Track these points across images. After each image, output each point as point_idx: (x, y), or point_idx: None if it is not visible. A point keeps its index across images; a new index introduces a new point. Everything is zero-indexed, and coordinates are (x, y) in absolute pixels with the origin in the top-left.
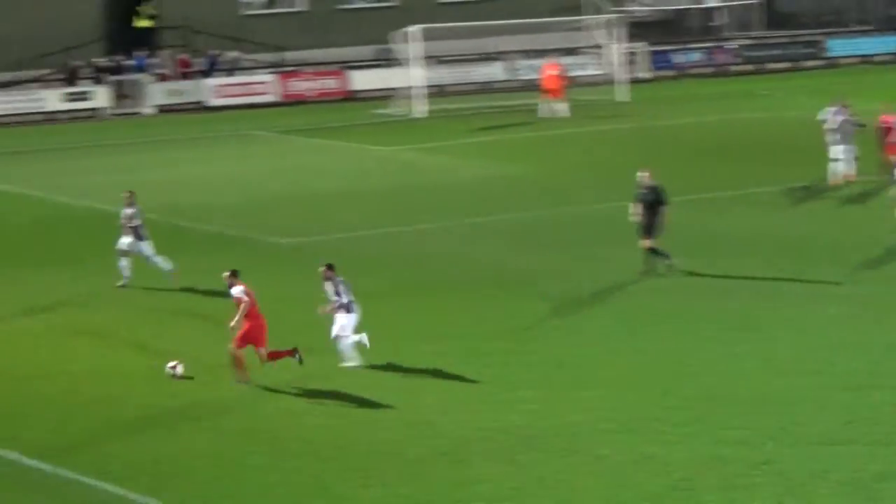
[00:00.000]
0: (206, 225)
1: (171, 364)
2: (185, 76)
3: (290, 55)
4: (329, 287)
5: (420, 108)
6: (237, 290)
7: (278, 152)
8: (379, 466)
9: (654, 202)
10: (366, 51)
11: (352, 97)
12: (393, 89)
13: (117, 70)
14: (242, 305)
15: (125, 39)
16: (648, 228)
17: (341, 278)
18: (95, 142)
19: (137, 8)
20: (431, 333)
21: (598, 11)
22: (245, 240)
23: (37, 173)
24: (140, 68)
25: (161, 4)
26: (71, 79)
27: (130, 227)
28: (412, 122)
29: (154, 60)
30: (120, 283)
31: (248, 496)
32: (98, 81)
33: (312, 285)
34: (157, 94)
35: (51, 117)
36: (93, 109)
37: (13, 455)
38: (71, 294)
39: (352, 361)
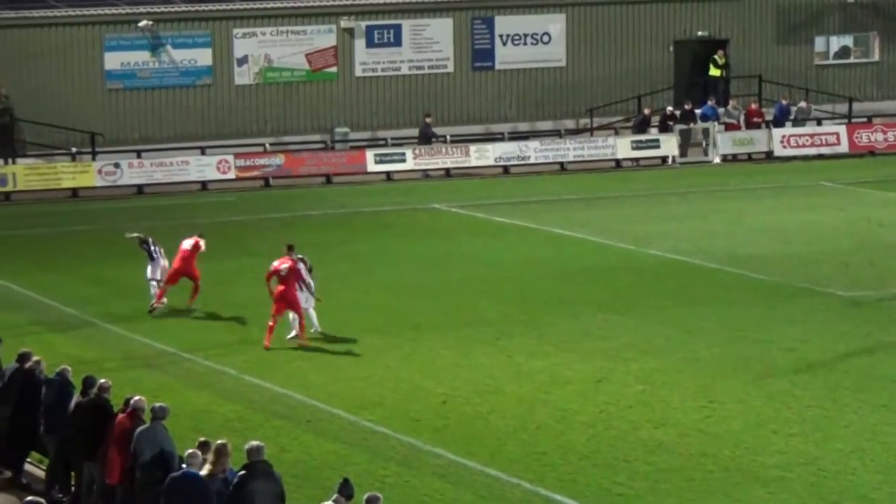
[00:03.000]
0: (765, 275)
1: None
2: (753, 125)
3: (859, 106)
4: None
5: None
6: None
7: (845, 204)
8: None
9: None
10: None
11: None
12: None
13: (686, 118)
14: None
15: (695, 88)
16: None
17: None
18: (661, 190)
19: (714, 56)
20: None
21: None
22: (805, 290)
23: (601, 219)
24: (707, 117)
25: (732, 53)
26: (642, 126)
27: None
28: None
29: (722, 109)
30: None
31: None
32: (666, 129)
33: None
34: (724, 143)
35: (620, 164)
36: (660, 157)
37: None
38: (633, 339)
39: None
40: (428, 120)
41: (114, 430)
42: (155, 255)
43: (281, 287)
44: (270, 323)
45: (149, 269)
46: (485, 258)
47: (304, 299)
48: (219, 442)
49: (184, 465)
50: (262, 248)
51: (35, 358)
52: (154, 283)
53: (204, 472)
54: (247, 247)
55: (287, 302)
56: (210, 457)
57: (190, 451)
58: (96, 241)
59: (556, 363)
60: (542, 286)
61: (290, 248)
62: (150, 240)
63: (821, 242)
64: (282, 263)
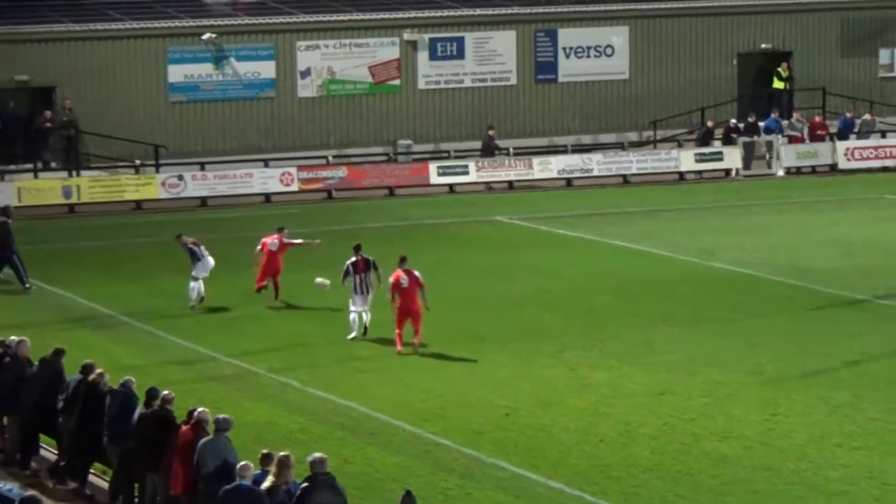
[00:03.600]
0: (829, 288)
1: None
2: (816, 138)
3: None
4: None
5: None
6: None
7: None
8: None
9: None
10: None
11: None
12: None
13: (749, 131)
14: None
15: (759, 100)
16: None
17: None
18: (724, 202)
19: (778, 69)
20: None
21: None
22: (868, 303)
23: (664, 232)
24: (771, 129)
25: (796, 66)
26: (705, 139)
27: None
28: None
29: (786, 122)
30: None
31: None
32: (730, 142)
33: None
34: (788, 155)
35: (683, 177)
36: (724, 170)
37: None
38: (697, 352)
39: None
40: (491, 132)
41: (177, 442)
42: (201, 255)
43: (402, 299)
44: (398, 331)
45: (195, 268)
46: (547, 271)
47: (362, 301)
48: (281, 454)
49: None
50: (324, 260)
51: (98, 370)
52: (198, 282)
53: (266, 484)
54: (310, 259)
55: (410, 314)
56: (273, 469)
57: (242, 463)
58: (159, 252)
59: (619, 376)
60: (605, 299)
61: (403, 260)
62: (196, 241)
63: (884, 255)
64: (400, 276)
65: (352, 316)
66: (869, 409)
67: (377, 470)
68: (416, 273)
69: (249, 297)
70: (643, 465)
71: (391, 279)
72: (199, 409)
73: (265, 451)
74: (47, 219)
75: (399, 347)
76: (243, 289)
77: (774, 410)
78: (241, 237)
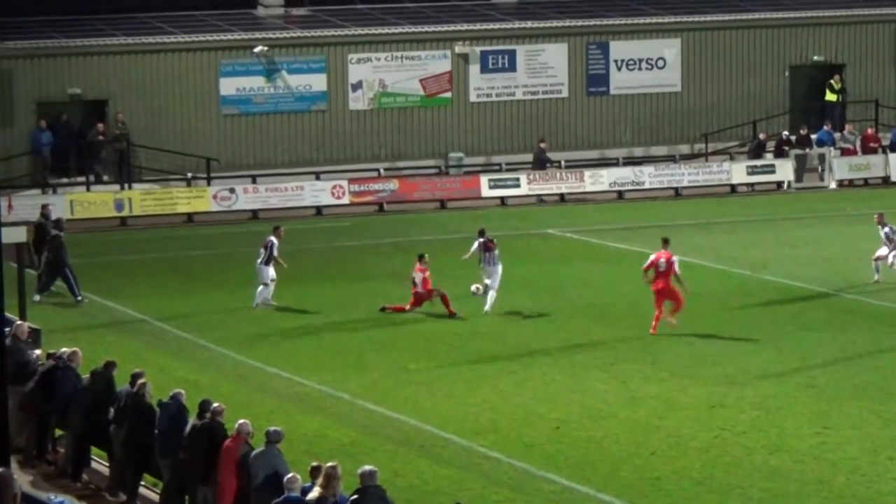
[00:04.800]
0: (881, 301)
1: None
2: (869, 150)
3: None
4: None
5: None
6: None
7: None
8: None
9: None
10: None
11: None
12: None
13: (802, 143)
14: None
15: (811, 113)
16: None
17: None
18: (776, 215)
19: (831, 81)
20: None
21: None
22: None
23: (716, 245)
24: (823, 142)
25: (849, 78)
26: (757, 151)
27: None
28: None
29: (838, 134)
30: None
31: None
32: (782, 155)
33: None
34: (840, 168)
35: (735, 189)
36: (776, 183)
37: None
38: (748, 365)
39: None
40: (542, 145)
41: (222, 455)
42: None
43: (660, 282)
44: (657, 313)
45: (271, 270)
46: (599, 283)
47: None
48: (328, 465)
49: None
50: (377, 272)
51: (141, 381)
52: (270, 284)
53: (313, 495)
54: (362, 271)
55: (666, 294)
56: (320, 480)
57: (290, 475)
58: (211, 265)
59: (671, 388)
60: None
61: (666, 242)
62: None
63: None
64: (658, 258)
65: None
66: None
67: (427, 483)
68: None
69: (299, 310)
70: (694, 479)
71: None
72: (241, 422)
73: (314, 463)
74: (100, 232)
75: (653, 330)
76: (292, 301)
77: (826, 423)
78: (292, 250)
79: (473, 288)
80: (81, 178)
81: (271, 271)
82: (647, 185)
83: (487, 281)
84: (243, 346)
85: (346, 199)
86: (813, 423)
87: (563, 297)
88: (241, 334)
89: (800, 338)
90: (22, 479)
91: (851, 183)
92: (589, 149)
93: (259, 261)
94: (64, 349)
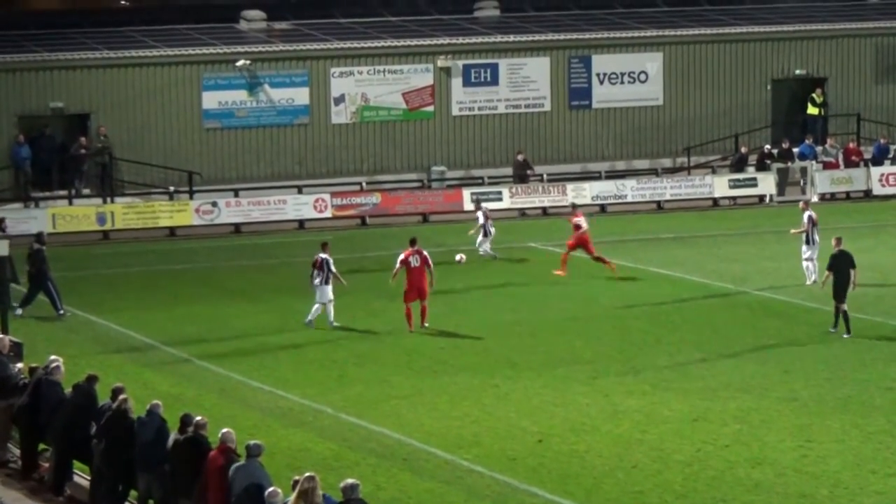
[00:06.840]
0: (863, 314)
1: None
2: (851, 164)
3: None
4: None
5: None
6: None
7: None
8: None
9: None
10: None
11: None
12: None
13: (784, 157)
14: None
15: (793, 126)
16: None
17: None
18: (758, 229)
19: (813, 95)
20: None
21: None
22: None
23: (698, 258)
24: (805, 155)
25: (830, 92)
26: (739, 165)
27: None
28: None
29: (820, 148)
30: None
31: None
32: (764, 168)
33: None
34: (822, 181)
35: (717, 203)
36: (758, 196)
37: None
38: (730, 378)
39: None
40: (520, 157)
41: (208, 467)
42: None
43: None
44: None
45: (329, 289)
46: (581, 297)
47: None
48: (304, 477)
49: None
50: (358, 286)
51: (122, 396)
52: (328, 304)
53: None
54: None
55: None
56: (293, 497)
57: (271, 489)
58: (193, 279)
59: (653, 402)
60: (639, 325)
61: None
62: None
63: None
64: (410, 256)
65: None
66: None
67: (410, 496)
68: (426, 253)
69: (282, 324)
70: (676, 492)
71: (401, 257)
72: (224, 431)
73: (297, 477)
74: (82, 245)
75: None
76: (276, 315)
77: (808, 437)
78: (274, 264)
79: (458, 257)
80: (64, 192)
81: (329, 291)
82: (629, 199)
83: None
84: (225, 360)
85: (328, 213)
86: (795, 436)
87: (545, 310)
88: (222, 348)
89: (782, 351)
90: (8, 496)
91: (833, 196)
92: (571, 162)
93: (317, 281)
94: (52, 357)
